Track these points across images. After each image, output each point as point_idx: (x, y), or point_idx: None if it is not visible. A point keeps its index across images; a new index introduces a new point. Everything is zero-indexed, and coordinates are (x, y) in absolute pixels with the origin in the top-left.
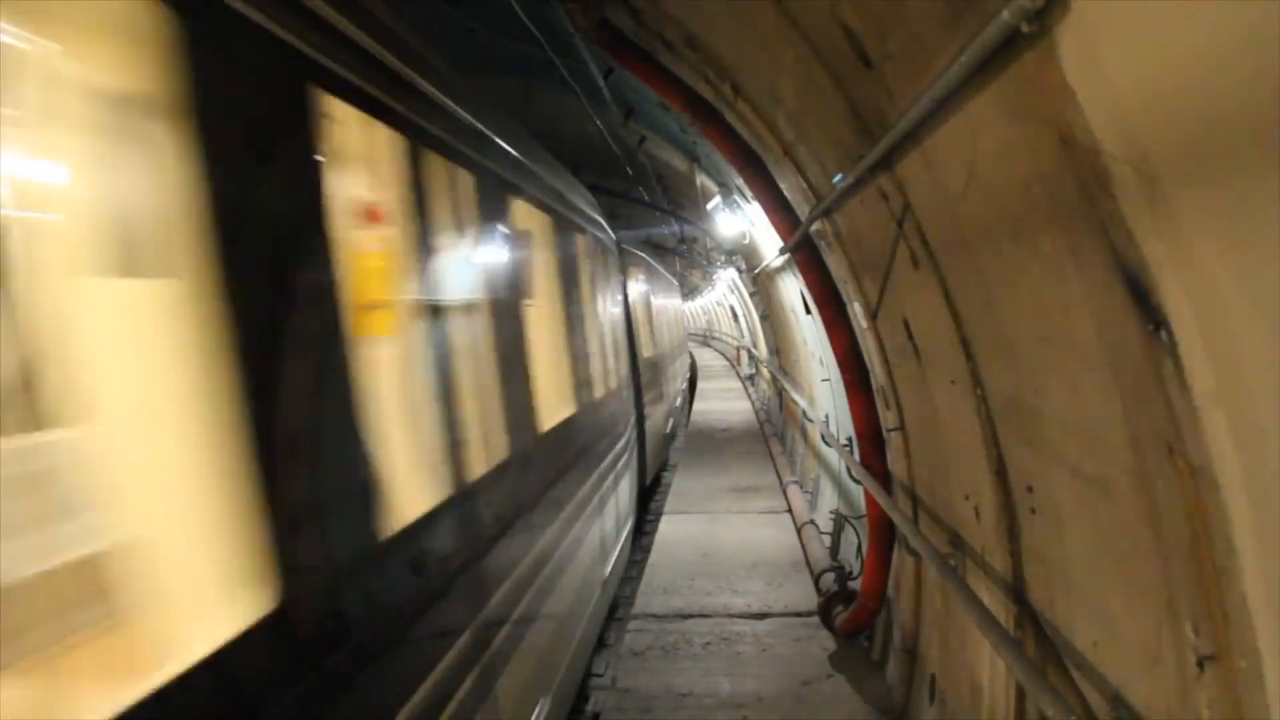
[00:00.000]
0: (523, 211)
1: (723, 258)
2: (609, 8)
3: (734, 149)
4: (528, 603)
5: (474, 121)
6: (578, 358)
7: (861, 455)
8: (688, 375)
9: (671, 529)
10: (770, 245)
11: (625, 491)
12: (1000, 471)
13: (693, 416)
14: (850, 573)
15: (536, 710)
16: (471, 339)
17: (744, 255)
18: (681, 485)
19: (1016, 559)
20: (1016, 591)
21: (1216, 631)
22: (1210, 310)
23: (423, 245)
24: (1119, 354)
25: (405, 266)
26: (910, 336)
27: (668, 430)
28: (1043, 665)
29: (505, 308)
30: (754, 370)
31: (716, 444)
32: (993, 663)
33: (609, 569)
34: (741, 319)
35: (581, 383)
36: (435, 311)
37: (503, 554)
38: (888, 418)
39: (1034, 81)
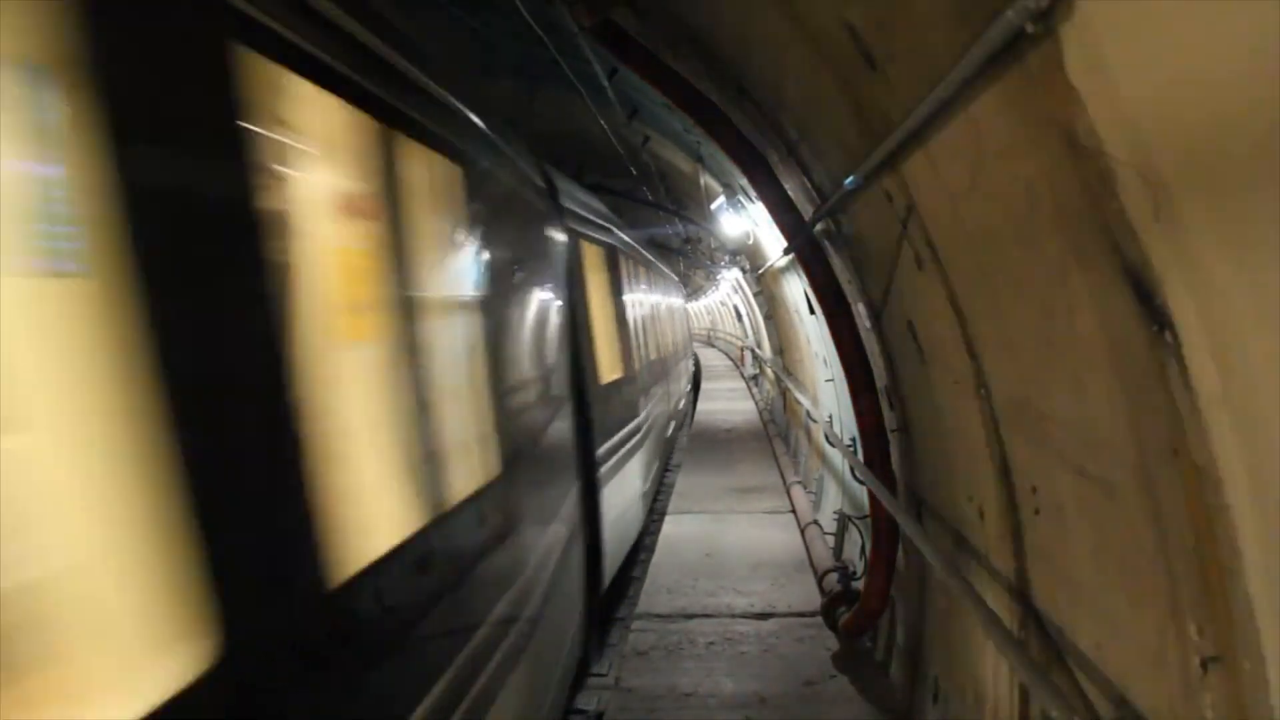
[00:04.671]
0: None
1: (726, 258)
2: (613, 7)
3: (738, 149)
4: None
5: None
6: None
7: (865, 455)
8: (690, 377)
9: (675, 529)
10: (774, 245)
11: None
12: (1004, 472)
13: (696, 416)
14: (854, 573)
15: None
16: None
17: (748, 255)
18: (685, 485)
19: (1020, 560)
20: (1020, 592)
21: (1220, 633)
22: (1214, 312)
23: None
24: (1123, 355)
25: None
26: (914, 337)
27: (645, 488)
28: (1046, 666)
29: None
30: (757, 370)
31: (720, 444)
32: (996, 664)
33: None
34: (745, 319)
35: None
36: None
37: None
38: (891, 418)
39: (1039, 82)
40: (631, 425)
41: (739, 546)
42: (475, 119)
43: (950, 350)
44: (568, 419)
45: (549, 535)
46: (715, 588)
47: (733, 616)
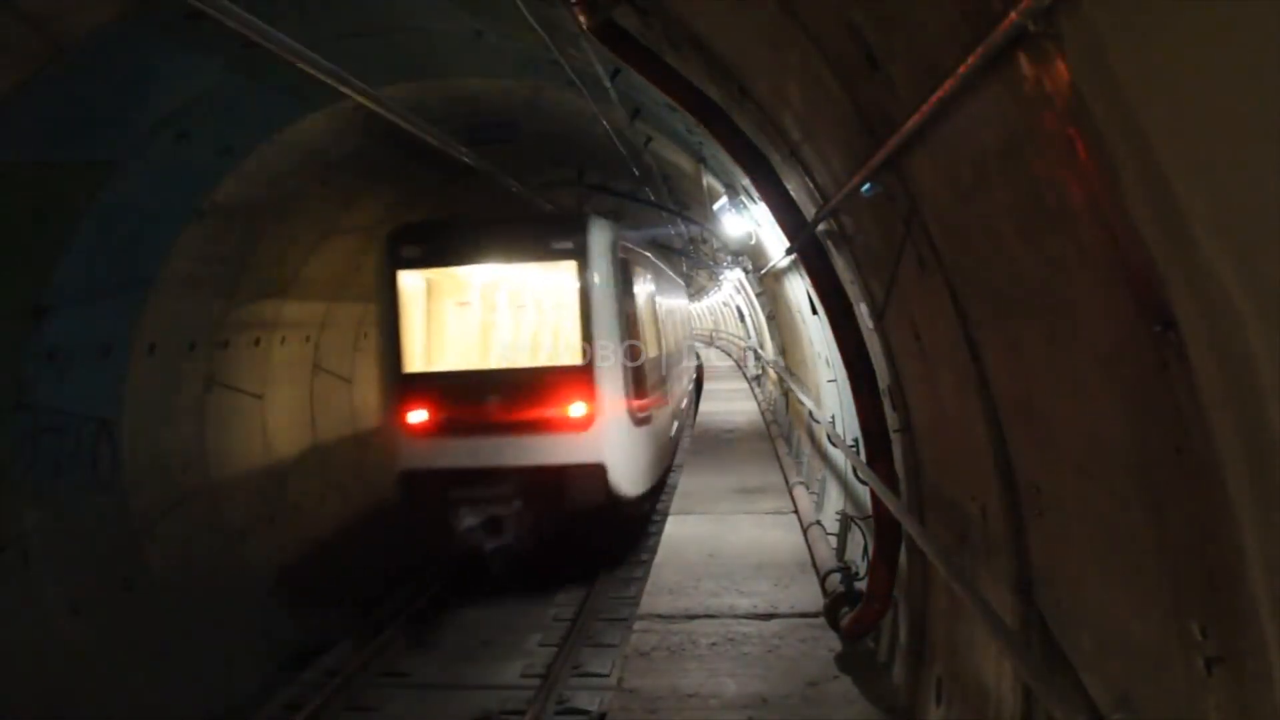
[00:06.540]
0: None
1: (729, 258)
2: (615, 8)
3: (740, 150)
4: None
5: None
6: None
7: (868, 456)
8: (694, 376)
9: (678, 530)
10: (776, 246)
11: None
12: (1006, 472)
13: (699, 417)
14: (856, 574)
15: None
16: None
17: (750, 256)
18: (688, 485)
19: (1023, 560)
20: (1023, 592)
21: (1224, 633)
22: (1217, 310)
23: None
24: (1126, 354)
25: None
26: (917, 337)
27: (699, 362)
28: (1050, 667)
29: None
30: (760, 371)
31: (722, 445)
32: (999, 664)
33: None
34: (748, 319)
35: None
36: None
37: None
38: (894, 418)
39: (1041, 81)
40: (695, 348)
41: (742, 547)
42: (681, 281)
43: (952, 350)
44: (694, 344)
45: (693, 363)
46: (718, 588)
47: (735, 617)
